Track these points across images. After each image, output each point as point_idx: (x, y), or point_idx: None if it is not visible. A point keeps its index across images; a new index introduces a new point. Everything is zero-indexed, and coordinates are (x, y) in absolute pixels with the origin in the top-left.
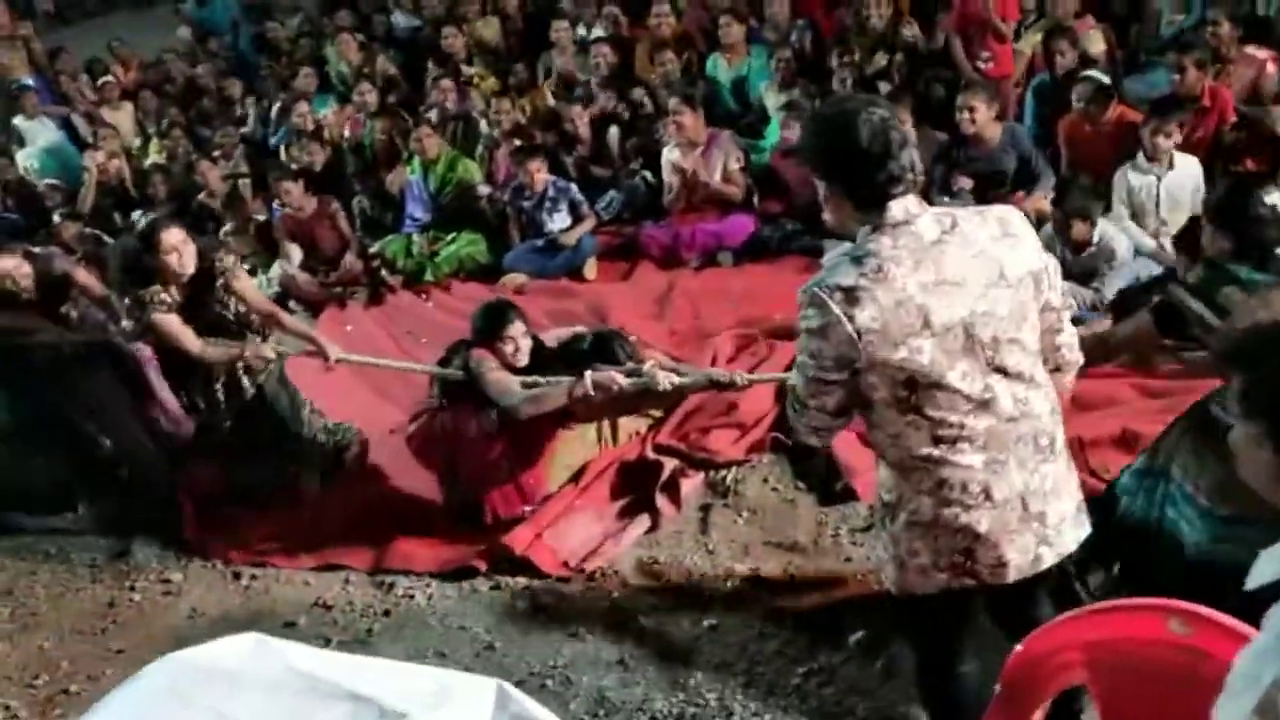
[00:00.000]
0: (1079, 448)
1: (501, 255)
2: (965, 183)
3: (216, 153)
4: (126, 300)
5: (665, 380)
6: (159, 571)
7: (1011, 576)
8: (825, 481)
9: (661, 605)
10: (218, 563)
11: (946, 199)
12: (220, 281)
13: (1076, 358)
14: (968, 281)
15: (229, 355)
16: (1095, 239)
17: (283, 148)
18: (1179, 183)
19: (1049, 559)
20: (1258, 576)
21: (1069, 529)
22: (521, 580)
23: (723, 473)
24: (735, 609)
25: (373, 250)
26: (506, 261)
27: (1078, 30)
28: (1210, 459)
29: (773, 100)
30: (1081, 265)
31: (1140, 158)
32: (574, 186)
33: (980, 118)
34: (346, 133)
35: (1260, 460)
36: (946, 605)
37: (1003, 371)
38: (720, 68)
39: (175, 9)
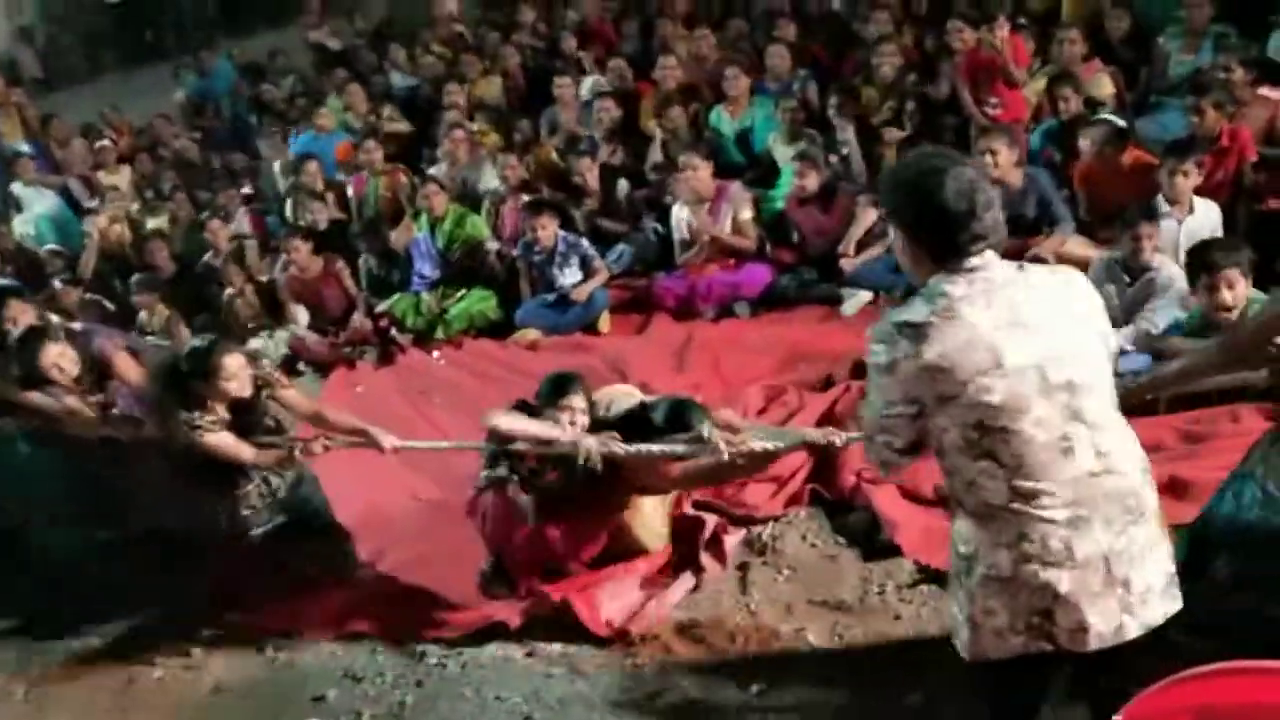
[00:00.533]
0: None
1: (512, 312)
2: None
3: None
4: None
5: (726, 447)
6: (179, 645)
7: (1092, 644)
8: (868, 536)
9: (706, 670)
10: (241, 635)
11: None
12: (266, 393)
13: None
14: (1041, 324)
15: (280, 458)
16: (1154, 264)
17: (289, 205)
18: (1199, 226)
19: (1133, 630)
20: None
21: (1156, 600)
22: (558, 647)
23: (758, 529)
24: (783, 673)
25: (380, 309)
26: (518, 318)
27: (1085, 75)
28: None
29: (781, 151)
30: (1131, 298)
31: (1160, 201)
32: (584, 241)
33: (1003, 161)
34: (350, 191)
35: None
36: (1023, 671)
37: (1081, 419)
38: (724, 120)
39: (175, 74)
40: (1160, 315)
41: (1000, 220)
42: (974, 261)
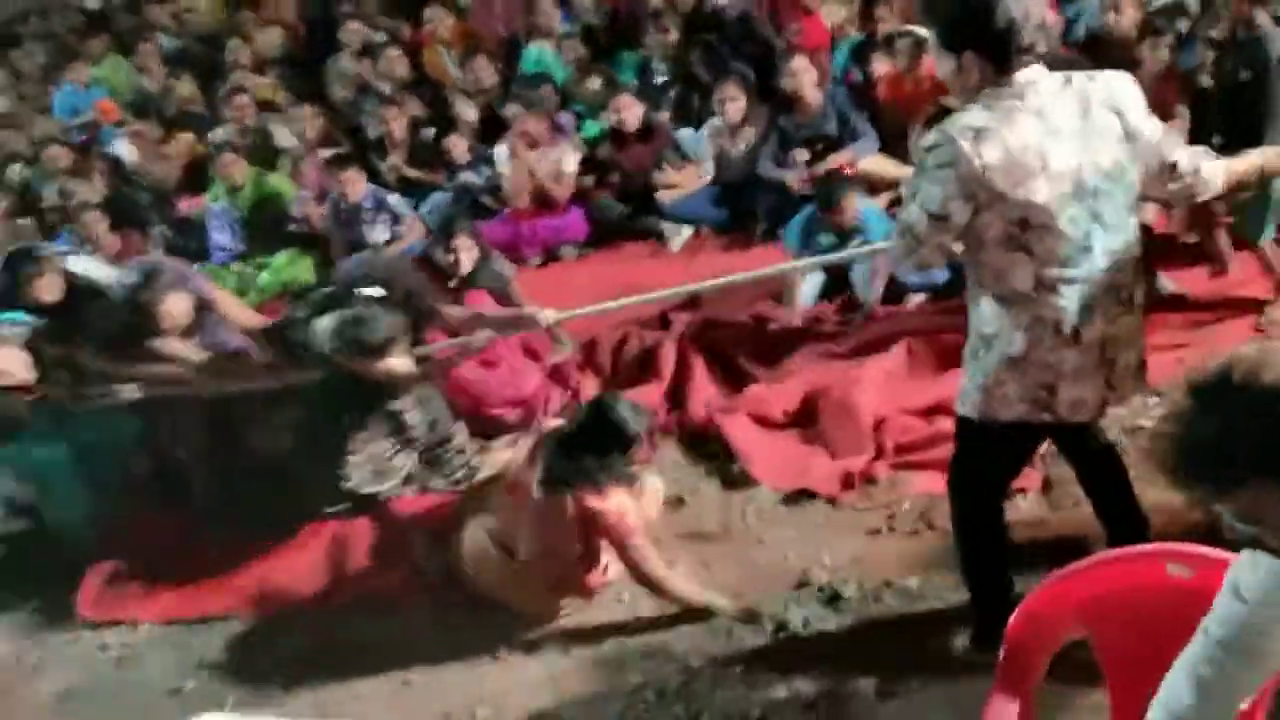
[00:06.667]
0: None
1: (327, 273)
2: (801, 154)
3: None
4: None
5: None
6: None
7: (1084, 416)
8: (723, 466)
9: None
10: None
11: (785, 171)
12: None
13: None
14: (1080, 132)
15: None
16: None
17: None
18: None
19: (1111, 402)
20: None
21: (1131, 380)
22: None
23: None
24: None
25: None
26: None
27: None
28: None
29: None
30: None
31: None
32: (393, 195)
33: (807, 80)
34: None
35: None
36: (1018, 435)
37: (1100, 221)
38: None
39: None
40: None
41: (1049, 33)
42: (1024, 75)
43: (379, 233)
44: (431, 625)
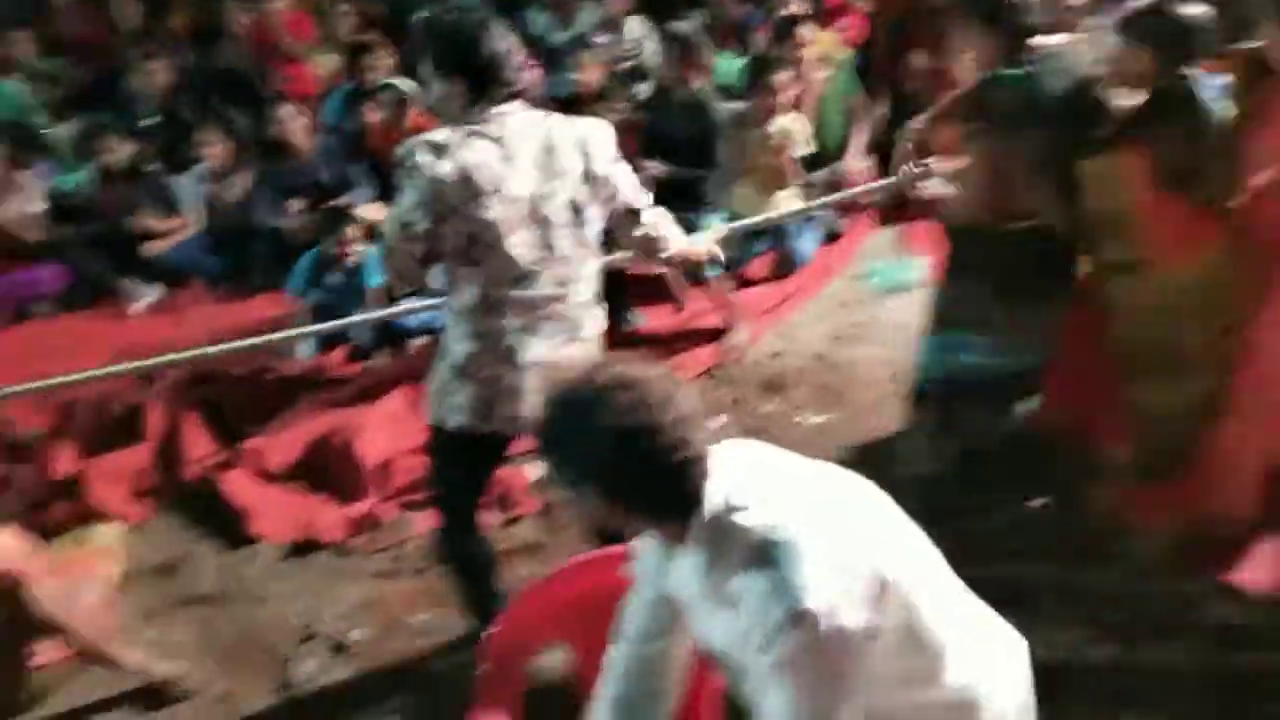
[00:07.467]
0: None
1: None
2: (296, 204)
3: None
4: None
5: None
6: None
7: (524, 431)
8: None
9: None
10: None
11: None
12: None
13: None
14: (541, 165)
15: None
16: None
17: None
18: None
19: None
20: None
21: None
22: None
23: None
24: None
25: None
26: None
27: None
28: None
29: None
30: None
31: None
32: None
33: (297, 127)
34: None
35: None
36: (472, 444)
37: (550, 249)
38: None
39: None
40: None
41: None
42: (501, 108)
43: None
44: None
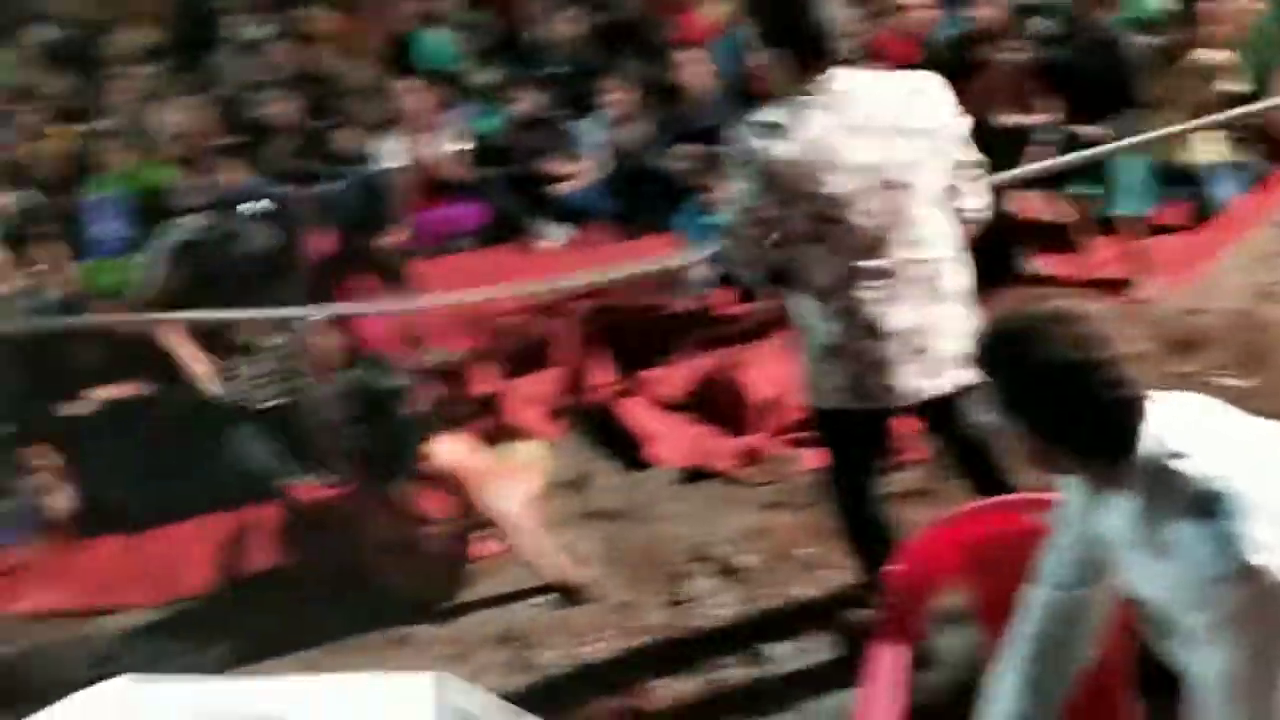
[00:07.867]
0: None
1: None
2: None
3: None
4: None
5: None
6: None
7: (901, 403)
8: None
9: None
10: None
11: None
12: None
13: None
14: (881, 129)
15: None
16: None
17: None
18: None
19: (929, 390)
20: None
21: (951, 367)
22: None
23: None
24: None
25: None
26: None
27: None
28: None
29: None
30: None
31: None
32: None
33: (699, 71)
34: None
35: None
36: (850, 420)
37: (898, 215)
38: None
39: None
40: None
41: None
42: (831, 74)
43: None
44: (333, 611)
